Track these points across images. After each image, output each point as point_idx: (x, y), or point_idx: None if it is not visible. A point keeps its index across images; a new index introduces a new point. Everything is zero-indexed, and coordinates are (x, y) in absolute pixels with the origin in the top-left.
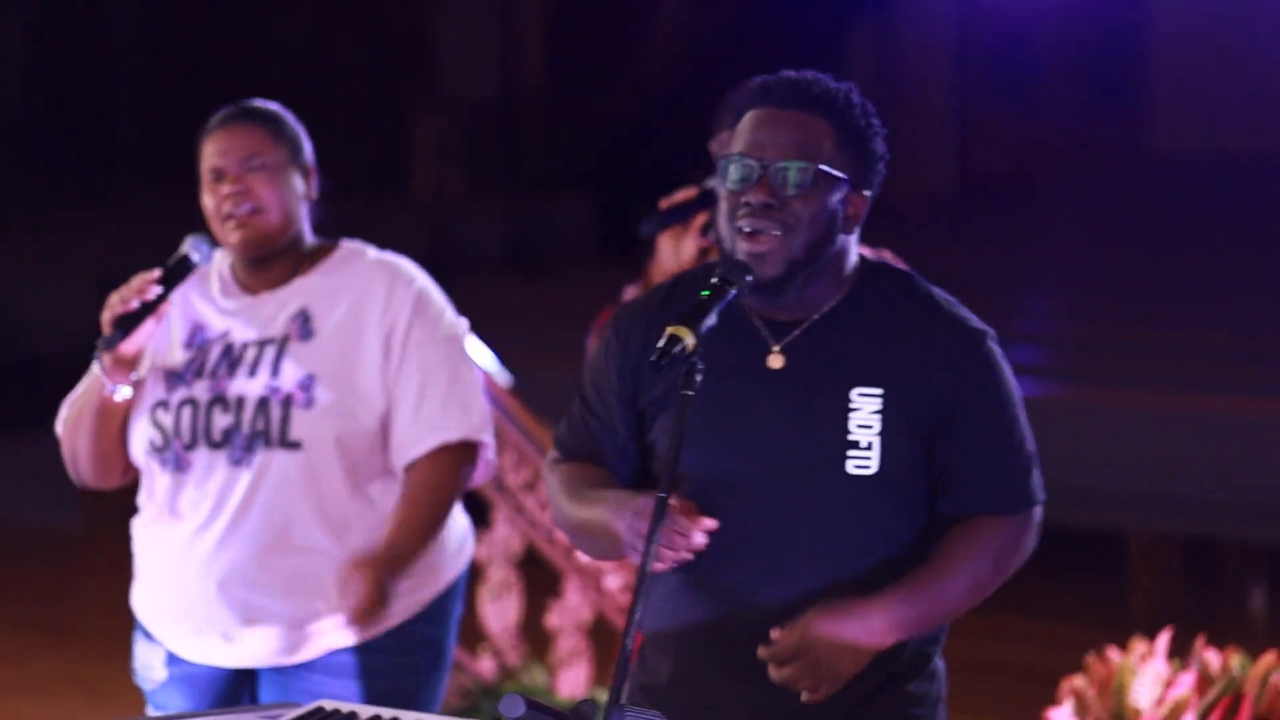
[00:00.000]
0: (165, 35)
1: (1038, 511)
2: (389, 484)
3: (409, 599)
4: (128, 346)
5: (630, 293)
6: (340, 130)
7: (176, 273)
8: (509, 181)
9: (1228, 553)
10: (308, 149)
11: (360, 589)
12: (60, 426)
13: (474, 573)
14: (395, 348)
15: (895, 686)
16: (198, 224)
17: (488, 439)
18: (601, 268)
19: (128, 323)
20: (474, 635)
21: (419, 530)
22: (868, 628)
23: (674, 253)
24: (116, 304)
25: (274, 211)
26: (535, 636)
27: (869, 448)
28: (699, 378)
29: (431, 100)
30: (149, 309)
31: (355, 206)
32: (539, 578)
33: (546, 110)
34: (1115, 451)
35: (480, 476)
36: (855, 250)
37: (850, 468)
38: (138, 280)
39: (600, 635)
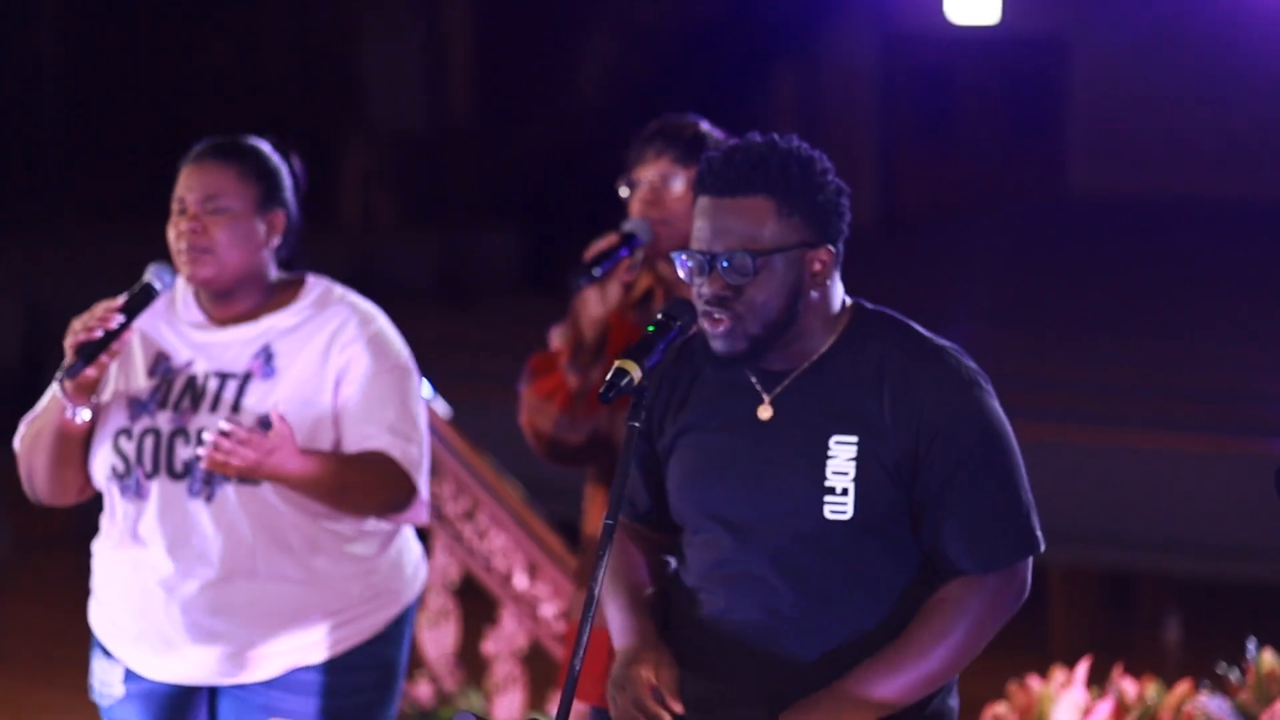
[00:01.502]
0: (91, 60)
1: (1024, 564)
2: (338, 519)
3: (368, 621)
4: (89, 372)
5: (555, 334)
6: None
7: (139, 301)
8: (437, 213)
9: (1143, 585)
10: (286, 188)
11: (260, 437)
12: (18, 444)
13: None
14: (344, 384)
15: None
16: (122, 248)
17: (420, 481)
18: (528, 299)
19: (90, 350)
20: (412, 661)
21: (337, 472)
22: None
23: (599, 298)
24: (79, 330)
25: (225, 255)
26: (472, 663)
27: (845, 493)
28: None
29: (359, 131)
30: (111, 336)
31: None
32: (476, 605)
33: (474, 142)
34: (1032, 485)
35: (412, 516)
36: (838, 296)
37: (827, 513)
38: (100, 308)
39: (536, 662)
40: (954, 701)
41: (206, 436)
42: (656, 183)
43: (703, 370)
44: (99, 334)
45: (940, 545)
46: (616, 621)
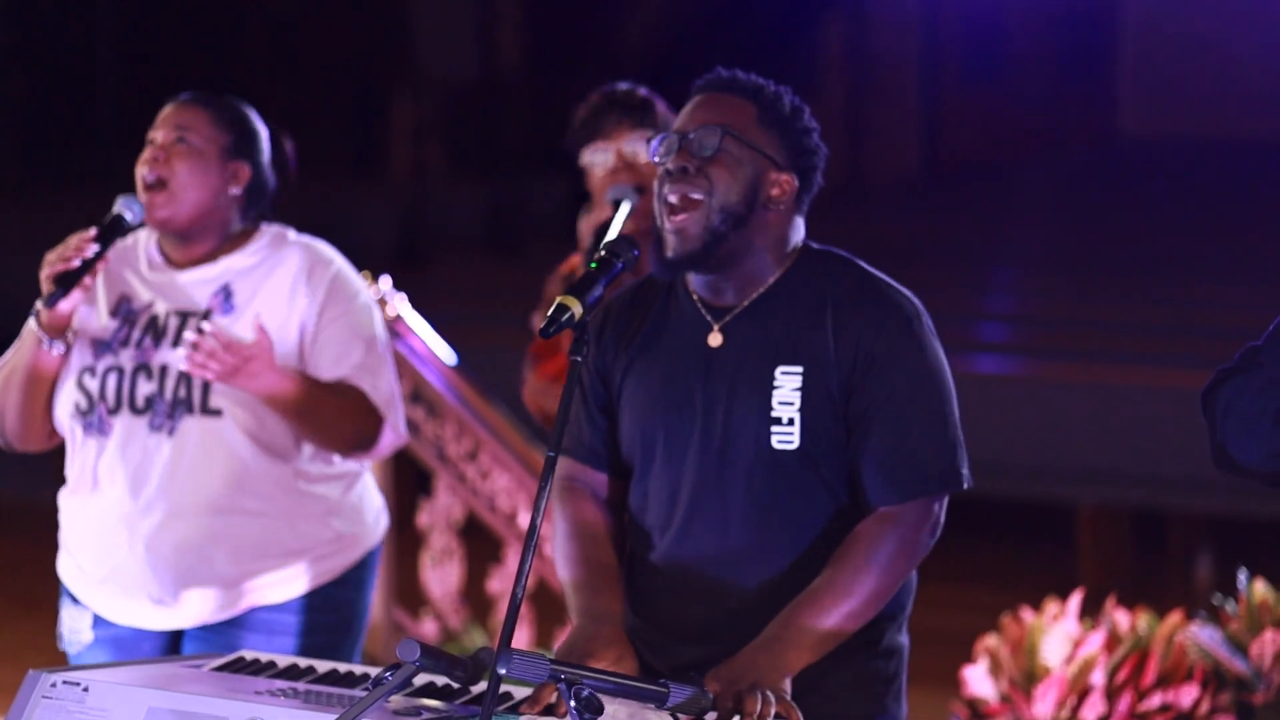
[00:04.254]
0: (144, 16)
1: (939, 500)
2: (310, 451)
3: (329, 563)
4: (66, 304)
5: (536, 319)
6: (319, 112)
7: (111, 230)
8: (487, 162)
9: (1174, 523)
10: (260, 149)
11: (239, 344)
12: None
13: (416, 539)
14: (310, 326)
15: (847, 663)
16: None
17: (390, 416)
18: (575, 248)
19: (67, 279)
20: (417, 600)
21: (310, 393)
22: (781, 661)
23: (591, 229)
24: (55, 261)
25: (182, 192)
26: (477, 601)
27: (790, 423)
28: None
29: (409, 82)
30: (87, 266)
31: (334, 188)
32: (480, 544)
33: (524, 91)
34: (1070, 424)
35: (384, 446)
36: (798, 235)
37: (774, 443)
38: (75, 239)
39: (540, 600)
40: (903, 638)
41: (188, 335)
42: (626, 152)
43: (652, 309)
44: (76, 263)
45: (861, 474)
46: (573, 601)
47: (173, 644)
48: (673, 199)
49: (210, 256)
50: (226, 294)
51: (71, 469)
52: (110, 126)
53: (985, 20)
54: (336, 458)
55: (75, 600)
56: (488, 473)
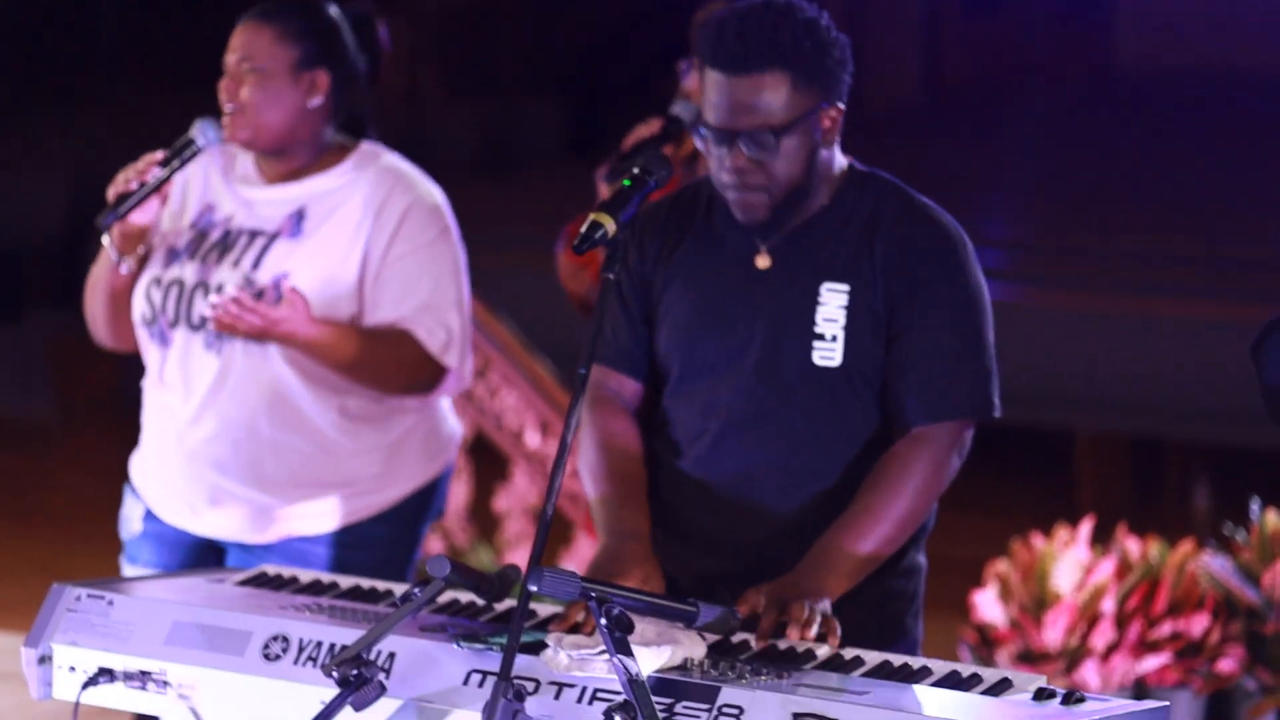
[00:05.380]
0: None
1: (969, 424)
2: (355, 391)
3: (369, 499)
4: (133, 222)
5: (601, 180)
6: None
7: (180, 154)
8: (481, 83)
9: (1172, 453)
10: (340, 48)
11: (266, 307)
12: (87, 292)
13: None
14: (375, 256)
15: (868, 582)
16: (176, 119)
17: (452, 361)
18: (571, 171)
19: (126, 201)
20: None
21: (354, 347)
22: (824, 580)
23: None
24: (120, 183)
25: (257, 116)
26: (483, 519)
27: (834, 340)
28: (665, 266)
29: (403, 4)
30: (149, 190)
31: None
32: (488, 463)
33: (519, 13)
34: (1068, 352)
35: (445, 390)
36: (839, 156)
37: (816, 359)
38: (143, 161)
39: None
40: (922, 558)
41: (213, 299)
42: None
43: (695, 220)
44: (135, 185)
45: (897, 393)
46: (601, 516)
47: (214, 555)
48: (733, 186)
49: (298, 174)
50: (299, 217)
51: (147, 364)
52: (109, 45)
53: None
54: (387, 400)
55: (134, 491)
56: (496, 390)
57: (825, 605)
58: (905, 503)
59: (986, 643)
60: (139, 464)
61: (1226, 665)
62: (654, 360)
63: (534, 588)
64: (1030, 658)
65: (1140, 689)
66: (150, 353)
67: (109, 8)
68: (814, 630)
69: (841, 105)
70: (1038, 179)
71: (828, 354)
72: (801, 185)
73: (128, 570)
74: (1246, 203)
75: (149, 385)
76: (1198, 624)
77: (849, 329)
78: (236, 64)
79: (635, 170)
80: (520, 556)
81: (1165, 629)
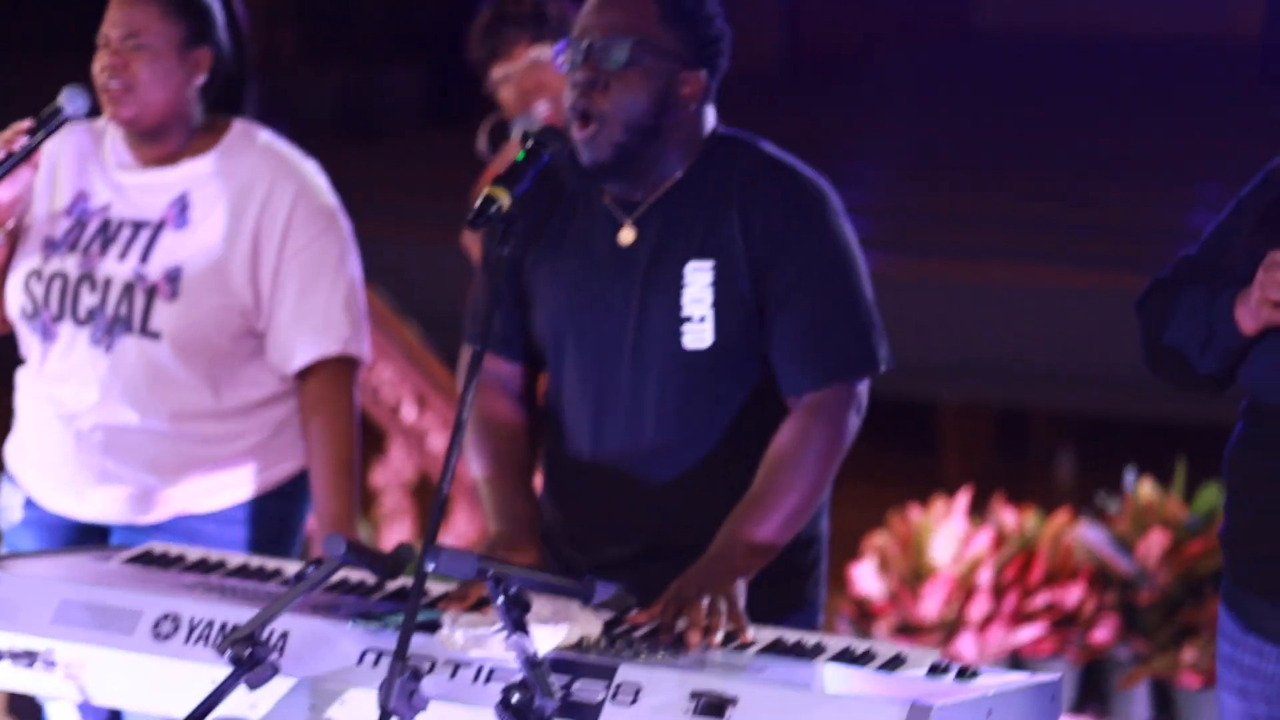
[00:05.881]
0: None
1: (862, 382)
2: (249, 377)
3: (263, 476)
4: (3, 193)
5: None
6: None
7: (48, 124)
8: (340, 46)
9: (1038, 421)
10: (216, 26)
11: None
12: None
13: None
14: (269, 250)
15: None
16: (48, 87)
17: (364, 353)
18: (430, 135)
19: None
20: None
21: (344, 468)
22: (730, 571)
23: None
24: None
25: (146, 94)
26: (360, 494)
27: (703, 320)
28: (543, 243)
29: None
30: (15, 160)
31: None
32: (364, 437)
33: None
34: (931, 320)
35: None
36: (708, 124)
37: (686, 342)
38: (10, 130)
39: (424, 494)
40: (823, 525)
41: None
42: (528, 68)
43: (562, 197)
44: (2, 154)
45: (776, 362)
46: (487, 500)
47: (99, 538)
48: (580, 110)
49: (173, 158)
50: (183, 206)
51: (26, 354)
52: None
53: None
54: (278, 381)
55: (12, 480)
56: (372, 364)
57: (738, 591)
58: (808, 474)
59: (865, 615)
60: (16, 452)
61: (1101, 635)
62: (530, 341)
63: (431, 566)
64: (908, 630)
65: (1015, 659)
66: (31, 345)
67: None
68: (718, 636)
69: (706, 77)
70: (898, 145)
71: (698, 336)
72: (647, 128)
73: None
74: (1109, 168)
75: (27, 375)
76: (1073, 594)
77: (718, 307)
78: (120, 39)
79: (529, 143)
80: (398, 532)
81: (1041, 600)
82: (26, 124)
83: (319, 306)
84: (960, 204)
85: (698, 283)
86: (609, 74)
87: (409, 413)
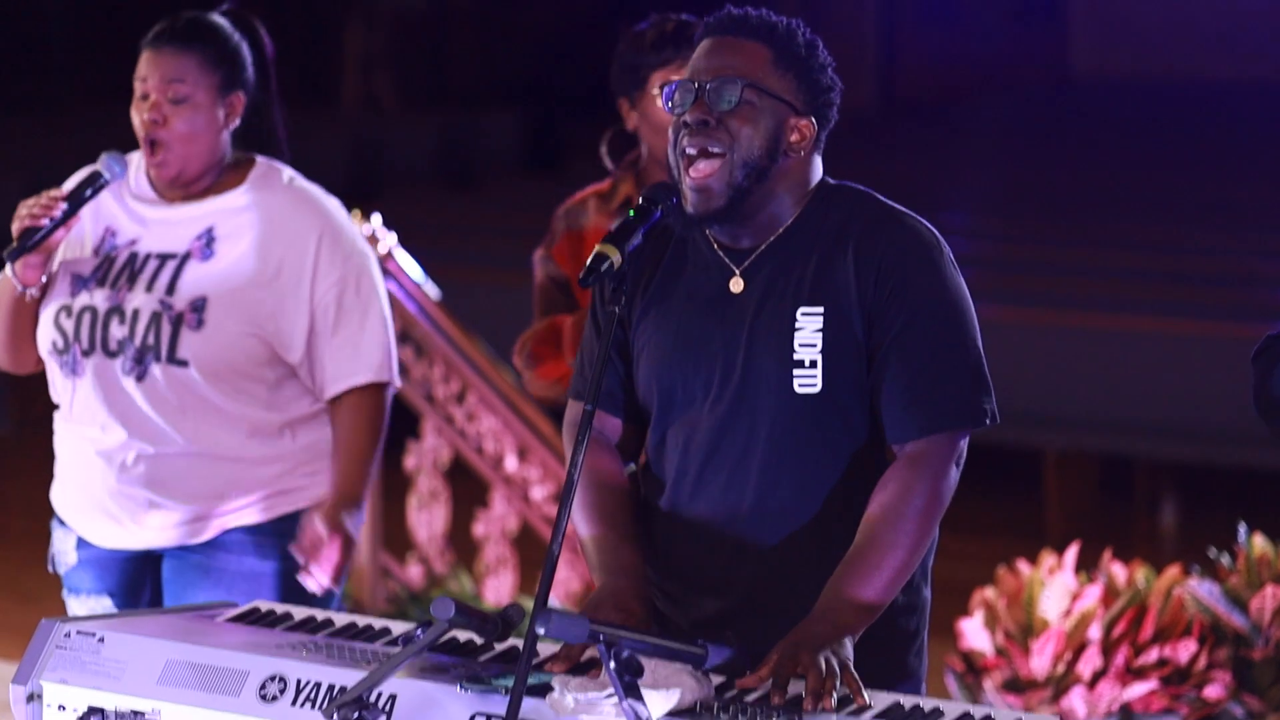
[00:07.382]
0: None
1: (963, 435)
2: (285, 398)
3: (308, 491)
4: (32, 257)
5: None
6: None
7: (85, 190)
8: (437, 94)
9: (1140, 470)
10: (246, 67)
11: (313, 530)
12: None
13: (403, 482)
14: (298, 289)
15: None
16: (127, 128)
17: (394, 377)
18: (528, 181)
19: (32, 236)
20: (402, 543)
21: (358, 467)
22: (838, 630)
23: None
24: (25, 217)
25: (187, 148)
26: (462, 545)
27: (813, 366)
28: (651, 298)
29: (360, 11)
30: (55, 225)
31: (283, 118)
32: (467, 487)
33: (475, 22)
34: (1033, 369)
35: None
36: (816, 174)
37: (796, 387)
38: (46, 197)
39: (526, 544)
40: (926, 592)
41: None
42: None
43: (669, 250)
44: (44, 222)
45: (882, 409)
46: (593, 556)
47: (152, 563)
48: (692, 151)
49: (199, 194)
50: (209, 239)
51: (58, 398)
52: (61, 53)
53: None
54: (312, 400)
55: (63, 524)
56: (474, 415)
57: (848, 648)
58: (910, 528)
59: (973, 670)
60: (61, 496)
61: (1213, 691)
62: (634, 396)
63: (542, 630)
64: (1017, 686)
65: (1127, 716)
66: (61, 385)
67: (62, 15)
68: (833, 699)
69: (814, 123)
70: (994, 193)
71: (808, 382)
72: (758, 169)
73: (72, 603)
74: (1214, 216)
75: (61, 418)
76: (1184, 650)
77: (826, 354)
78: (161, 95)
79: (640, 200)
80: (500, 583)
81: (1153, 655)
82: (61, 191)
83: (349, 339)
84: (1057, 251)
85: (809, 327)
86: (721, 114)
87: (511, 463)
